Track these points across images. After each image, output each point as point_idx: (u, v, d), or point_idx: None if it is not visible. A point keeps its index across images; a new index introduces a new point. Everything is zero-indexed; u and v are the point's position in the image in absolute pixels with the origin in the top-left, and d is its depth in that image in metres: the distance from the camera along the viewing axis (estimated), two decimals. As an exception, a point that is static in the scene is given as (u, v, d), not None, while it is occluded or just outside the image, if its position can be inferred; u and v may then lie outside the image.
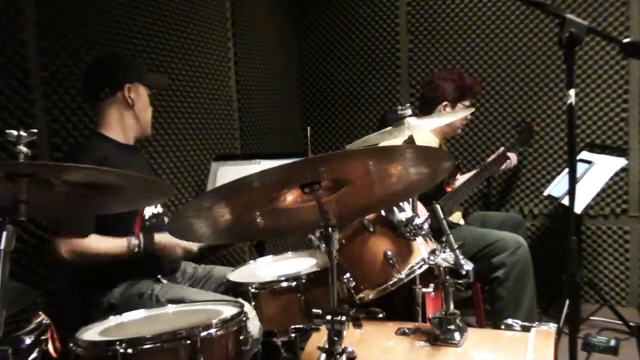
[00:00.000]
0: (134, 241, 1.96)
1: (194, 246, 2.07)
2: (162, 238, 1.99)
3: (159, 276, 2.05)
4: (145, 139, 2.55)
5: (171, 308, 1.73)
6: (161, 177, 2.75)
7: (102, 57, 2.39)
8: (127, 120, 2.10)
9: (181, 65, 3.03)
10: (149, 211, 2.11)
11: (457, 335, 1.64)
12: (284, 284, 1.86)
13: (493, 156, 3.14)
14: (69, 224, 1.89)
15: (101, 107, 2.08)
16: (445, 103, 2.85)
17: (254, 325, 1.70)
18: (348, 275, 1.74)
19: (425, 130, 2.61)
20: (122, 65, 2.15)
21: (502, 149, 3.18)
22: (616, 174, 3.08)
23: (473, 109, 2.64)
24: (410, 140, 2.00)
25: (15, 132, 1.30)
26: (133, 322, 1.64)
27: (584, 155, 3.17)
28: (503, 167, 3.12)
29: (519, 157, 3.63)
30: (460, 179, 3.02)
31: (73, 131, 2.39)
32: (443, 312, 1.67)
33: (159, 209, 2.17)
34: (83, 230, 1.91)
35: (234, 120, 3.46)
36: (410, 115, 1.97)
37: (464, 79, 2.91)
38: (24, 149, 1.30)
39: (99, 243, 1.93)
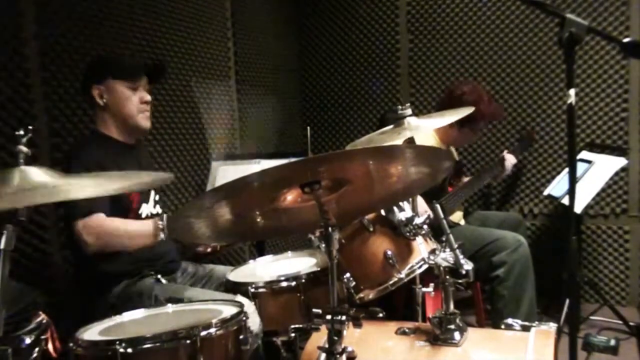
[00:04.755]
0: (160, 222, 1.85)
1: None
2: None
3: (159, 276, 2.04)
4: (145, 138, 2.56)
5: (171, 308, 1.73)
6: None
7: None
8: (110, 120, 2.07)
9: (181, 64, 3.03)
10: (146, 209, 2.10)
11: (457, 335, 1.64)
12: (284, 284, 1.86)
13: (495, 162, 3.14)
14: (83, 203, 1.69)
15: (94, 110, 2.11)
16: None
17: (254, 322, 1.70)
18: (348, 275, 1.74)
19: (427, 132, 2.59)
20: (88, 68, 2.10)
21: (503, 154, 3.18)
22: (616, 174, 3.09)
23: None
24: (411, 140, 2.00)
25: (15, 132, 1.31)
26: (133, 321, 1.64)
27: (584, 154, 3.17)
28: (500, 175, 3.12)
29: (522, 161, 3.63)
30: (464, 180, 3.02)
31: (73, 131, 2.39)
32: (443, 312, 1.67)
33: (157, 209, 2.17)
34: (99, 208, 1.81)
35: (234, 120, 3.46)
36: (410, 115, 1.98)
37: (489, 105, 2.72)
38: (24, 148, 1.30)
39: (124, 223, 1.84)
